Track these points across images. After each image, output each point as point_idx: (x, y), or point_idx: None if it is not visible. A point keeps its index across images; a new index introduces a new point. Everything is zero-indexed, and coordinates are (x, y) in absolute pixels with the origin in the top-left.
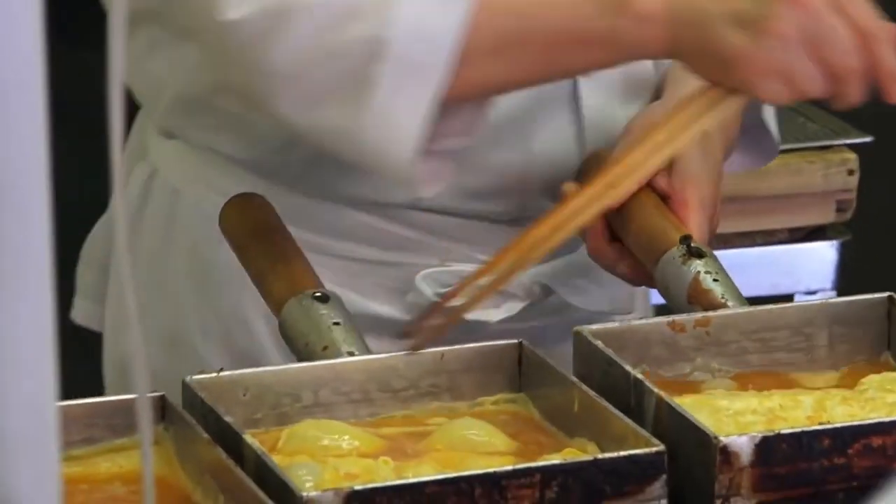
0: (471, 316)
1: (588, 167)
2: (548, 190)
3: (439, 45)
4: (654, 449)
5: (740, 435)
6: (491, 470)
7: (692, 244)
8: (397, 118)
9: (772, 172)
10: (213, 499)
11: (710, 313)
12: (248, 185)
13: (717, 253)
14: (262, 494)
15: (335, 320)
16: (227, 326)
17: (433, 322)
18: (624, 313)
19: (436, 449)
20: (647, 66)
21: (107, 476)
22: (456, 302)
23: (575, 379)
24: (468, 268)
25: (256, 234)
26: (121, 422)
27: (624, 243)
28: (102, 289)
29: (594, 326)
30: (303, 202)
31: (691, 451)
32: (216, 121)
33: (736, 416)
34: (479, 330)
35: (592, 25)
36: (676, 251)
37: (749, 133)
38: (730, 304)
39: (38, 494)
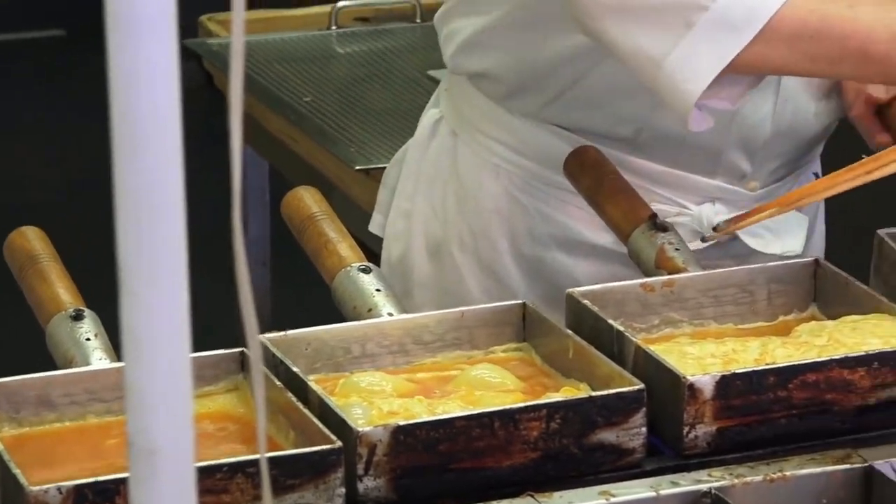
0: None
1: (570, 162)
2: (741, 150)
3: (756, 15)
4: (636, 387)
5: (703, 374)
6: (507, 406)
7: (657, 220)
8: (698, 60)
9: None
10: (285, 434)
11: (674, 276)
12: (500, 125)
13: None
14: (325, 429)
15: (377, 287)
16: (477, 242)
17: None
18: (795, 256)
19: (460, 389)
20: None
21: (198, 416)
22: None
23: (569, 331)
24: (672, 209)
25: (311, 219)
26: (208, 373)
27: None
28: (389, 205)
29: (582, 288)
30: (547, 136)
31: (664, 388)
32: (489, 58)
33: (698, 359)
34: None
35: (879, 48)
36: (645, 226)
37: None
38: (689, 268)
39: (176, 443)
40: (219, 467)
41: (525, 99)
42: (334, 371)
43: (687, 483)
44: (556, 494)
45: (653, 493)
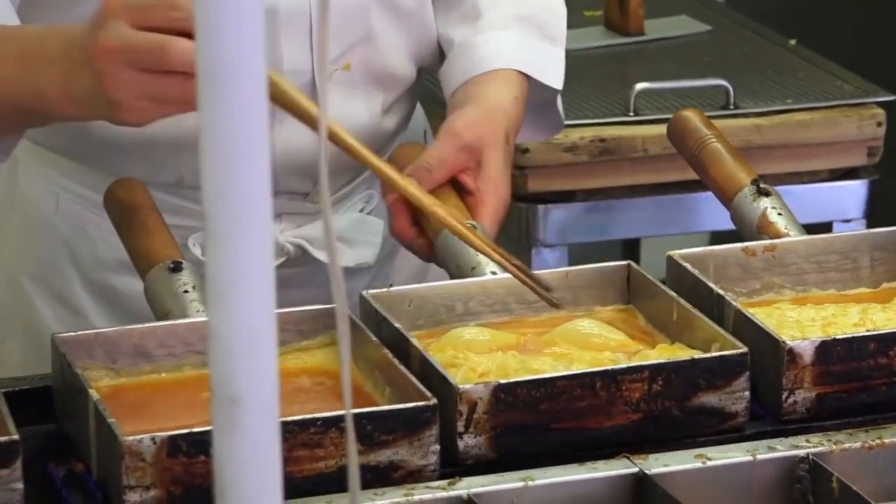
0: None
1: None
2: (291, 174)
3: None
4: (739, 350)
5: (803, 339)
6: (609, 367)
7: (761, 185)
8: None
9: (816, 124)
10: (381, 390)
11: (776, 241)
12: (58, 154)
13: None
14: (421, 386)
15: None
16: (46, 271)
17: None
18: (366, 266)
19: (556, 343)
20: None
21: (295, 370)
22: None
23: (674, 293)
24: None
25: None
26: (307, 328)
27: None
28: None
29: (683, 251)
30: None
31: (764, 352)
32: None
33: (799, 324)
34: None
35: None
36: (748, 191)
37: (539, 111)
38: (791, 233)
39: (260, 392)
40: (313, 421)
41: (60, 140)
42: (436, 328)
43: (784, 448)
44: (652, 457)
45: (749, 458)
